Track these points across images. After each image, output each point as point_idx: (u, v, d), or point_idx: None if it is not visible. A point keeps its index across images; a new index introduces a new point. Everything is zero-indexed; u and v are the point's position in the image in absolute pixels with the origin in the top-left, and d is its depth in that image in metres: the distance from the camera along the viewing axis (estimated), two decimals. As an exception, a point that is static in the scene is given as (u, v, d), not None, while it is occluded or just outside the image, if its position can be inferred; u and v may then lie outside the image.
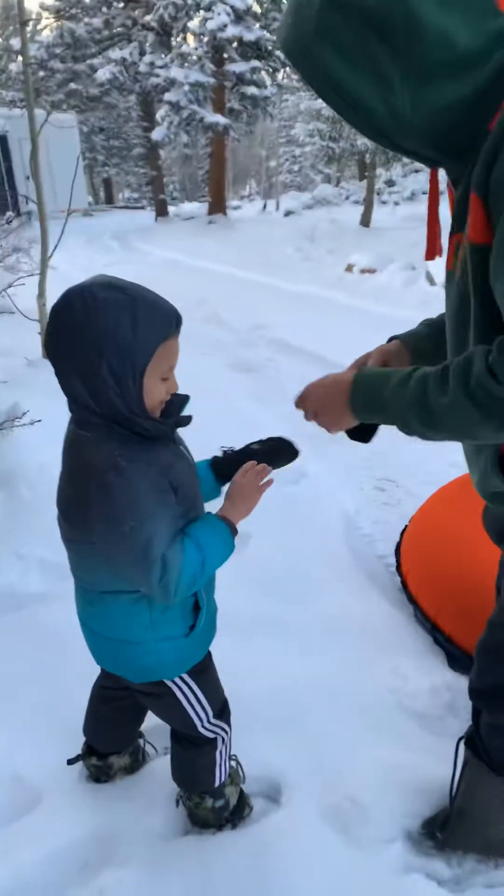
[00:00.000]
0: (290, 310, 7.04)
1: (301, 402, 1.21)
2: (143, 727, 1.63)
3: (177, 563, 1.12)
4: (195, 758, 1.42)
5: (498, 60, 0.83)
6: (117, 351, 1.04)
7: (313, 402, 1.18)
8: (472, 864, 1.45)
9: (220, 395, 4.23)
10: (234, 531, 1.24)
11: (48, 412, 3.58)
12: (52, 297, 4.82)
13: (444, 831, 1.47)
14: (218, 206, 18.17)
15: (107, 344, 1.04)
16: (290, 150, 27.58)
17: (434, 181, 1.05)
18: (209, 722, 1.38)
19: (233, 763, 1.51)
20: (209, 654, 1.40)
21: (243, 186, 36.70)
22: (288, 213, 18.15)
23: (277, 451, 1.35)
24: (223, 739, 1.43)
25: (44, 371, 4.46)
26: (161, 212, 19.89)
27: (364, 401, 1.07)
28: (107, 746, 1.59)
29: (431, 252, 1.09)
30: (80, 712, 1.68)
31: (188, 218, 18.95)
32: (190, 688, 1.34)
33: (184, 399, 1.21)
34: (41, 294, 4.60)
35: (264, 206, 23.74)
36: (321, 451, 3.66)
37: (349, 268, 9.89)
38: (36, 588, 2.34)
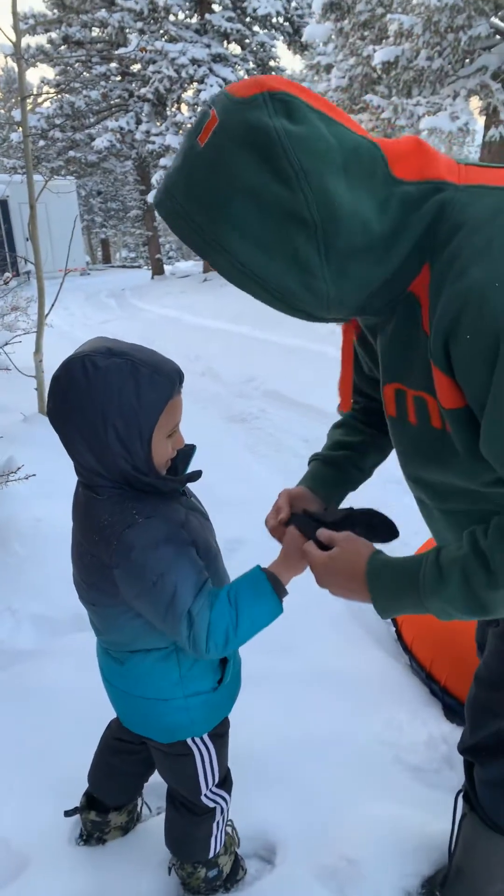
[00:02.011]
0: (282, 362, 7.16)
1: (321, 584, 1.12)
2: None
3: (204, 619, 1.09)
4: (192, 826, 1.38)
5: (413, 229, 0.82)
6: (123, 417, 1.04)
7: (334, 590, 1.09)
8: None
9: (215, 446, 4.26)
10: (282, 590, 1.17)
11: (43, 467, 3.61)
12: (48, 353, 4.93)
13: (444, 890, 1.42)
14: (212, 264, 18.65)
15: (111, 411, 1.04)
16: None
17: (349, 336, 1.01)
18: (212, 790, 1.35)
19: (228, 829, 1.47)
20: (227, 718, 1.37)
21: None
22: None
23: (376, 528, 1.19)
24: (222, 809, 1.39)
25: (39, 427, 4.52)
26: (157, 270, 20.39)
27: (387, 604, 1.00)
28: (113, 799, 1.55)
29: (346, 405, 1.05)
30: (67, 772, 1.65)
31: (184, 276, 19.42)
32: (208, 750, 1.32)
33: (190, 450, 1.22)
34: (38, 350, 4.69)
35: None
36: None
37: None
38: (27, 644, 2.32)
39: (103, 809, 1.54)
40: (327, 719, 1.91)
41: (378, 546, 1.09)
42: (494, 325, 0.75)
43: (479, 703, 1.27)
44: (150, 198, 16.91)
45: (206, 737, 1.30)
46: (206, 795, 1.35)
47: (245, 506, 3.54)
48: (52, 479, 3.55)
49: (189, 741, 1.29)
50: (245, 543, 3.02)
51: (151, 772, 1.54)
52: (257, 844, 1.56)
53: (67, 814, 1.56)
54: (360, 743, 1.84)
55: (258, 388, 6.26)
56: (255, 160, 0.74)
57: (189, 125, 16.11)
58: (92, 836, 1.56)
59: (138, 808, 1.63)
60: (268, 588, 1.15)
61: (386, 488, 2.36)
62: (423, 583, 0.94)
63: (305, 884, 1.44)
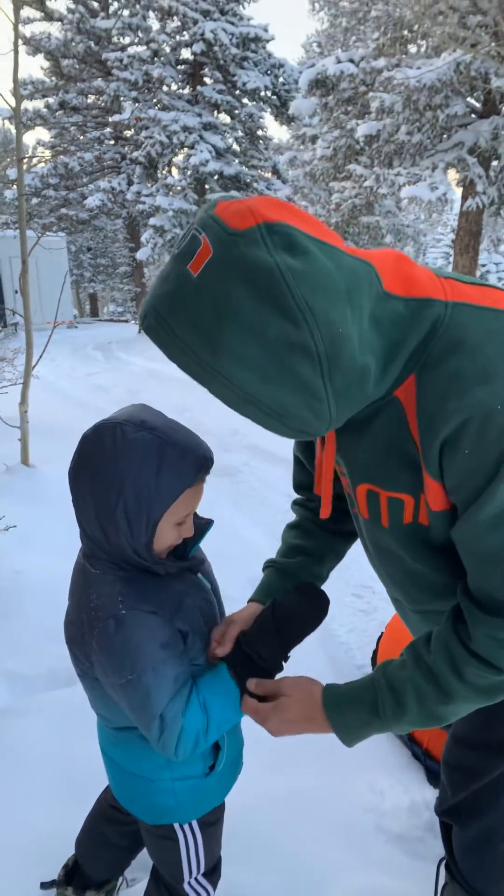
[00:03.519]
0: (267, 418, 7.22)
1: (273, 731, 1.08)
2: None
3: (177, 724, 1.05)
4: None
5: (408, 346, 0.84)
6: (136, 495, 1.00)
7: (291, 733, 1.07)
8: None
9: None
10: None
11: (24, 519, 3.58)
12: (33, 405, 4.96)
13: None
14: (199, 319, 19.00)
15: (127, 486, 1.00)
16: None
17: (331, 440, 0.99)
18: (196, 879, 1.28)
19: None
20: (223, 804, 1.31)
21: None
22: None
23: (305, 616, 1.13)
24: None
25: (21, 478, 4.50)
26: (144, 324, 20.72)
27: (352, 736, 1.01)
28: (98, 873, 1.47)
29: (327, 510, 1.03)
30: (35, 840, 1.58)
31: (170, 330, 19.70)
32: (195, 839, 1.25)
33: (205, 526, 1.18)
34: (23, 401, 4.70)
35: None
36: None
37: (324, 378, 10.26)
38: (1, 702, 2.25)
39: (81, 886, 1.46)
40: (309, 782, 1.86)
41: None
42: (499, 444, 0.80)
43: (457, 763, 1.24)
44: (140, 255, 17.35)
45: (193, 823, 1.23)
46: (189, 884, 1.27)
47: (228, 560, 3.51)
48: (32, 531, 3.52)
49: (176, 826, 1.22)
50: (227, 599, 2.98)
51: (141, 848, 1.46)
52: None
53: (44, 886, 1.49)
54: (342, 808, 1.79)
55: (241, 441, 6.30)
56: (256, 297, 0.73)
57: (179, 188, 16.70)
58: None
59: (117, 887, 1.55)
60: (237, 694, 1.10)
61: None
62: (384, 713, 0.96)
63: None
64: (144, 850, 1.39)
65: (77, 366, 12.46)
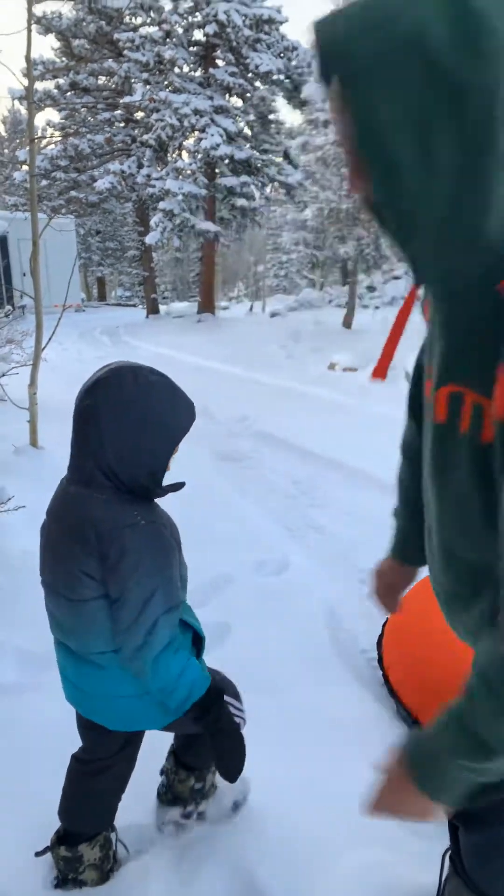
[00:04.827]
0: (274, 404, 7.23)
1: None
2: (116, 824, 1.56)
3: (164, 635, 1.21)
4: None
5: None
6: (162, 428, 1.20)
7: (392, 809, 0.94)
8: None
9: (206, 484, 4.28)
10: (210, 700, 1.31)
11: (33, 498, 3.60)
12: (42, 387, 4.97)
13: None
14: (207, 305, 18.97)
15: (153, 421, 1.19)
16: (276, 256, 29.16)
17: (410, 300, 0.95)
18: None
19: None
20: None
21: (232, 288, 38.39)
22: (273, 315, 18.95)
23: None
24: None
25: (30, 459, 4.53)
26: (152, 310, 20.68)
27: (435, 785, 0.87)
28: (86, 825, 1.52)
29: (381, 371, 0.99)
30: (44, 809, 1.61)
31: (178, 316, 19.69)
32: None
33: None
34: (32, 383, 4.72)
35: (251, 308, 24.78)
36: (303, 543, 3.68)
37: (332, 366, 10.25)
38: (9, 678, 2.28)
39: (73, 843, 1.50)
40: (313, 763, 1.89)
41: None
42: None
43: None
44: (149, 239, 17.27)
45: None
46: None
47: (234, 544, 3.54)
48: (41, 511, 3.54)
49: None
50: (233, 581, 3.01)
51: (124, 789, 1.54)
52: (237, 891, 1.52)
53: (38, 854, 1.53)
54: (347, 788, 1.81)
55: (249, 427, 6.31)
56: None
57: (189, 171, 16.57)
58: (66, 877, 1.51)
59: (113, 846, 1.58)
60: (207, 681, 1.32)
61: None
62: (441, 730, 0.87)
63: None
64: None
65: (84, 349, 12.48)
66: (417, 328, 0.99)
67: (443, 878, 1.36)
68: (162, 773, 1.70)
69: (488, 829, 1.18)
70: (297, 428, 6.00)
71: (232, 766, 1.36)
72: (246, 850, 1.59)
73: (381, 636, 2.51)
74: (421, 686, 2.13)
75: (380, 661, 2.41)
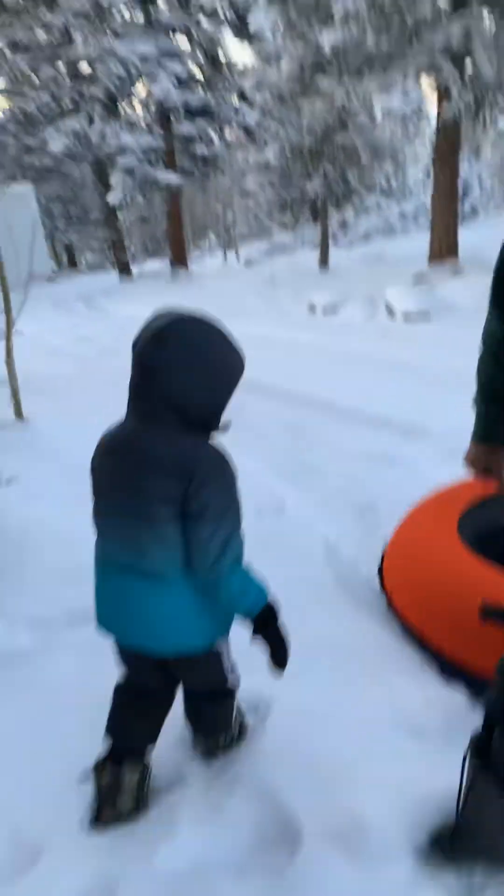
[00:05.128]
0: (258, 353, 7.16)
1: None
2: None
3: (237, 549, 1.38)
4: (220, 707, 1.69)
5: None
6: (228, 368, 1.38)
7: None
8: (482, 878, 1.43)
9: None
10: (268, 612, 1.44)
11: (25, 471, 3.60)
12: (20, 360, 4.86)
13: (453, 844, 1.46)
14: (180, 261, 18.57)
15: (221, 361, 1.36)
16: (245, 202, 28.46)
17: None
18: (231, 669, 1.63)
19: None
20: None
21: (204, 240, 37.60)
22: (248, 263, 18.63)
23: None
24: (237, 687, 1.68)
25: (17, 432, 4.50)
26: (124, 272, 20.25)
27: None
28: (133, 740, 1.63)
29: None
30: (74, 762, 1.67)
31: (152, 276, 19.31)
32: (227, 645, 1.60)
33: None
34: (9, 354, 4.65)
35: (225, 258, 24.32)
36: (298, 481, 3.71)
37: (311, 308, 10.13)
38: (23, 644, 2.32)
39: (118, 760, 1.58)
40: (325, 689, 1.94)
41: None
42: None
43: None
44: (111, 199, 16.82)
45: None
46: (229, 677, 1.63)
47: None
48: (35, 482, 3.54)
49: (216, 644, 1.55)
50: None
51: (167, 709, 1.67)
52: (265, 813, 1.58)
53: (82, 779, 1.64)
54: (360, 710, 1.87)
55: (235, 378, 6.28)
56: None
57: (143, 124, 16.02)
58: (104, 805, 1.56)
59: (149, 775, 1.64)
60: (266, 600, 1.46)
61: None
62: None
63: (315, 846, 1.47)
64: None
65: (59, 319, 12.27)
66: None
67: (464, 781, 1.41)
68: (193, 745, 1.77)
69: None
70: (282, 374, 5.97)
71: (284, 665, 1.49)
72: (273, 775, 1.66)
73: (381, 562, 2.56)
74: (423, 603, 2.18)
75: (382, 586, 2.46)
